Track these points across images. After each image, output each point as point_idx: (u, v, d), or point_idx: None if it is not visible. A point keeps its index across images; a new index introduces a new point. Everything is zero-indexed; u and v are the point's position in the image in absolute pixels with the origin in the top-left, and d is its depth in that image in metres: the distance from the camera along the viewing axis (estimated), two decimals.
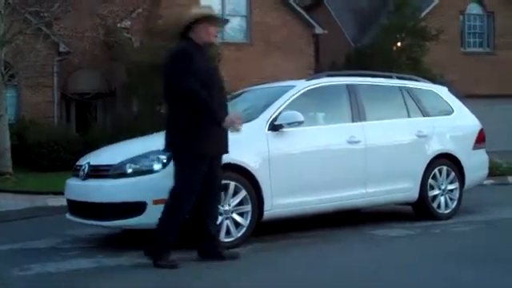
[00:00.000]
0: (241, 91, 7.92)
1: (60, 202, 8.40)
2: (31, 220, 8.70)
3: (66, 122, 20.00)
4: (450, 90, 17.42)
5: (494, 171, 14.07)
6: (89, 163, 6.26)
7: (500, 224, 7.30)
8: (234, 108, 7.34)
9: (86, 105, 19.63)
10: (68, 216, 6.53)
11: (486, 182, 12.72)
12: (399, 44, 20.97)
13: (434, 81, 19.18)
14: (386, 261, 5.40)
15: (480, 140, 8.15)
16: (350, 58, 21.63)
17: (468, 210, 8.03)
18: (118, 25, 16.18)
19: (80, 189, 6.23)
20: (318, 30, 21.92)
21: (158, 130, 15.85)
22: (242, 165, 6.07)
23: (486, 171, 8.31)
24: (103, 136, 17.44)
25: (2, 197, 11.01)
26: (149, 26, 15.70)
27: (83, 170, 6.25)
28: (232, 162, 6.00)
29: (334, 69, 21.86)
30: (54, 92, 19.44)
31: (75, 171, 6.57)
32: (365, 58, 20.66)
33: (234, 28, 20.80)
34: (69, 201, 6.49)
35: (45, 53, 16.34)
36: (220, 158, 5.53)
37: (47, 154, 16.28)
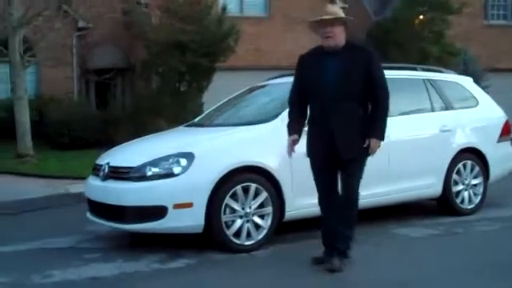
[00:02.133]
0: (264, 83, 7.77)
1: (80, 188, 8.33)
2: (52, 210, 8.70)
3: (86, 97, 19.97)
4: (474, 66, 17.26)
5: None
6: (108, 164, 6.21)
7: None
8: (256, 103, 7.32)
9: (106, 81, 19.57)
10: (88, 215, 6.52)
11: None
12: (421, 17, 20.59)
13: (457, 55, 19.14)
14: (409, 272, 5.29)
15: (505, 132, 8.00)
16: (372, 33, 21.31)
17: (493, 203, 7.91)
18: (137, 2, 16.04)
19: (100, 190, 6.19)
20: (339, 4, 21.55)
21: (177, 108, 15.98)
22: (263, 166, 5.99)
23: (511, 163, 8.15)
24: (122, 114, 17.49)
25: (23, 181, 11.05)
26: (167, 4, 15.54)
27: (103, 170, 6.21)
28: (252, 163, 5.95)
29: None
30: (74, 68, 19.43)
31: (95, 170, 6.52)
32: (386, 33, 20.37)
33: (254, 2, 20.55)
34: (89, 200, 6.46)
35: (64, 29, 16.28)
36: None
37: (67, 133, 16.28)
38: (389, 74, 7.25)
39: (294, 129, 5.36)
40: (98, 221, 6.28)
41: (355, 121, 5.14)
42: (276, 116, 6.34)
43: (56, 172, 11.84)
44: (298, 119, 5.40)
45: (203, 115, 7.78)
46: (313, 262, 5.44)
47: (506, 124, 8.05)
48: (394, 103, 6.87)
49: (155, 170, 5.80)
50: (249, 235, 5.92)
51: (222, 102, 7.84)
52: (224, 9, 16.40)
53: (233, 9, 18.55)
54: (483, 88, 16.82)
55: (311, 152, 5.34)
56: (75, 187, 9.75)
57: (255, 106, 7.24)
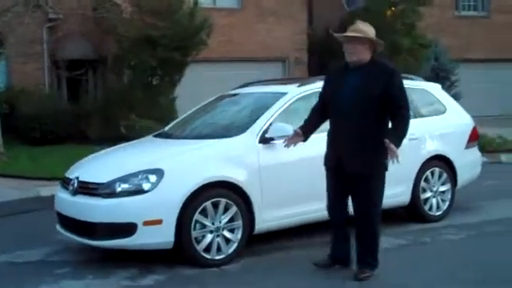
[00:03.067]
0: (234, 92, 7.76)
1: (51, 191, 8.29)
2: (22, 216, 8.64)
3: (57, 90, 19.76)
4: (445, 58, 17.37)
5: (487, 147, 14.07)
6: (78, 178, 6.18)
7: (493, 229, 7.26)
8: (226, 114, 7.33)
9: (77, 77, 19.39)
10: (58, 228, 6.50)
11: None
12: (393, 9, 20.66)
13: (428, 47, 19.23)
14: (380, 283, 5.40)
15: (473, 138, 8.10)
16: (344, 23, 21.32)
17: (459, 208, 8.03)
18: None
19: (69, 205, 6.18)
20: None
21: (149, 103, 15.87)
22: (232, 181, 6.02)
23: (478, 169, 8.27)
24: (94, 108, 17.35)
25: None
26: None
27: (72, 184, 6.19)
28: (222, 178, 5.98)
29: (327, 34, 21.65)
30: (44, 60, 19.20)
31: (64, 183, 6.49)
32: None
33: None
34: (58, 214, 6.44)
35: (34, 23, 16.07)
36: None
37: (38, 127, 16.13)
38: None
39: (303, 126, 5.65)
40: (68, 235, 6.27)
41: (368, 137, 5.24)
42: (245, 129, 6.36)
43: (27, 171, 11.73)
44: (312, 123, 5.69)
45: (173, 124, 7.74)
46: (315, 267, 5.72)
47: (474, 130, 8.15)
48: None
49: (124, 186, 5.80)
50: (219, 250, 5.95)
51: (191, 111, 7.81)
52: (196, 2, 16.30)
53: (205, 1, 18.48)
54: (453, 82, 17.12)
55: (326, 163, 5.61)
56: (46, 190, 9.69)
57: (225, 117, 7.24)
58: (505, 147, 14.23)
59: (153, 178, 5.77)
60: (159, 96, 16.42)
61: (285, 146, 5.70)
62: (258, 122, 6.42)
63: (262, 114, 6.52)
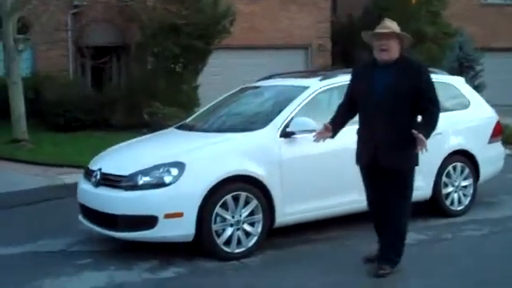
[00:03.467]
0: (256, 84, 7.77)
1: (75, 178, 8.33)
2: (45, 204, 8.74)
3: (82, 76, 19.91)
4: (469, 47, 17.19)
5: (511, 139, 13.92)
6: (100, 170, 6.24)
7: None
8: (248, 106, 7.34)
9: (101, 58, 19.48)
10: (80, 218, 6.57)
11: None
12: None
13: (453, 36, 19.03)
14: (400, 281, 5.41)
15: (496, 133, 8.04)
16: (368, 11, 21.20)
17: (482, 202, 8.01)
18: None
19: (92, 196, 6.25)
20: None
21: (172, 91, 15.96)
22: (253, 175, 6.05)
23: (501, 163, 8.22)
24: (118, 95, 17.43)
25: (16, 168, 11.09)
26: None
27: (95, 176, 6.25)
28: (243, 172, 6.01)
29: (351, 22, 21.53)
30: (69, 46, 19.33)
31: (87, 174, 6.55)
32: (383, 10, 20.24)
33: None
34: (81, 205, 6.51)
35: (59, 7, 16.16)
36: None
37: (63, 114, 16.25)
38: None
39: (332, 122, 5.63)
40: (91, 226, 6.34)
41: (401, 133, 5.27)
42: (267, 123, 6.38)
43: (51, 159, 11.84)
44: (341, 119, 5.69)
45: (195, 115, 7.79)
46: (364, 262, 5.76)
47: (498, 125, 8.09)
48: None
49: (146, 179, 5.85)
50: (239, 243, 5.99)
51: (214, 103, 7.85)
52: None
53: None
54: (478, 72, 16.93)
55: (358, 160, 5.65)
56: (70, 177, 9.79)
57: (247, 109, 7.26)
58: None
59: (174, 171, 5.81)
60: (182, 84, 16.48)
61: (314, 141, 5.68)
62: (279, 116, 6.43)
63: (284, 107, 6.53)
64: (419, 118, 5.36)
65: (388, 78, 5.31)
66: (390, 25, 5.41)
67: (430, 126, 5.28)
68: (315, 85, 6.83)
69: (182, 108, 15.30)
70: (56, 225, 7.47)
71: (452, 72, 16.74)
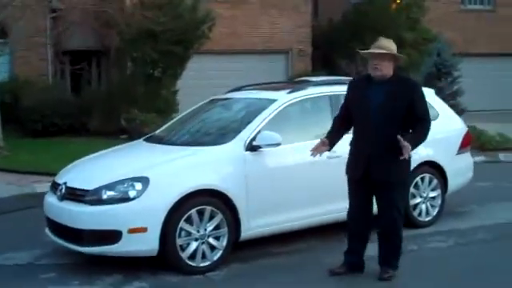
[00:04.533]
0: (225, 96, 7.78)
1: (47, 187, 8.36)
2: (16, 214, 8.71)
3: (61, 80, 19.83)
4: (448, 53, 17.30)
5: (486, 146, 14.06)
6: (65, 183, 6.23)
7: (482, 236, 7.27)
8: (216, 119, 7.36)
9: (80, 63, 19.43)
10: (47, 231, 6.55)
11: (476, 159, 12.79)
12: (398, 2, 20.57)
13: (432, 41, 19.11)
14: None
15: (465, 144, 8.09)
16: (348, 16, 21.29)
17: (452, 212, 8.10)
18: None
19: (57, 210, 6.24)
20: None
21: (150, 95, 15.90)
22: (218, 189, 6.06)
23: (470, 174, 8.27)
24: (96, 100, 17.38)
25: None
26: None
27: (60, 190, 6.24)
28: (208, 187, 6.02)
29: (331, 27, 21.58)
30: (48, 50, 19.25)
31: (53, 188, 6.54)
32: (362, 16, 20.34)
33: None
34: (47, 218, 6.49)
35: (38, 11, 16.10)
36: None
37: (40, 119, 16.20)
38: None
39: (328, 136, 5.84)
40: (56, 240, 6.33)
41: (392, 147, 5.40)
42: (233, 137, 6.39)
43: (26, 166, 11.80)
44: (337, 131, 5.90)
45: (164, 127, 7.77)
46: (330, 274, 5.89)
47: (467, 135, 8.15)
48: None
49: (111, 193, 5.84)
50: (204, 257, 6.00)
51: (183, 114, 7.87)
52: None
53: None
54: (456, 78, 17.04)
55: (349, 171, 5.80)
56: (42, 186, 9.74)
57: (214, 122, 7.27)
58: (505, 146, 14.17)
59: (138, 185, 5.81)
60: (161, 89, 16.49)
61: (311, 155, 5.81)
62: (245, 129, 6.44)
63: (251, 121, 6.54)
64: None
65: (381, 94, 5.51)
66: (386, 44, 5.61)
67: (417, 137, 5.52)
68: (283, 98, 6.84)
69: (161, 113, 15.30)
70: (24, 236, 7.44)
71: (430, 78, 16.97)
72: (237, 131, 6.47)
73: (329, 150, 5.87)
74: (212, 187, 6.03)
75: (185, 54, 16.32)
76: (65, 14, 18.29)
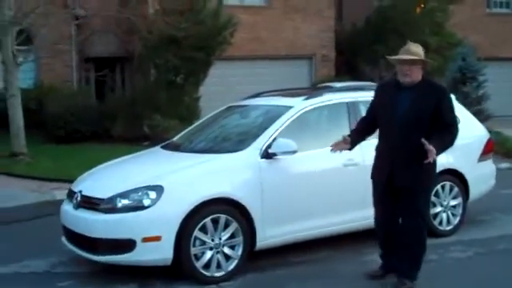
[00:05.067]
0: (243, 103, 7.73)
1: None
2: (36, 221, 8.75)
3: (86, 86, 19.97)
4: (472, 58, 17.10)
5: None
6: (81, 192, 6.23)
7: (504, 246, 7.12)
8: (232, 127, 7.32)
9: (105, 69, 19.55)
10: (63, 240, 6.55)
11: (501, 166, 12.66)
12: (422, 6, 20.36)
13: (457, 46, 18.89)
14: None
15: (487, 151, 7.94)
16: (371, 20, 21.13)
17: (475, 221, 7.97)
18: None
19: (72, 218, 6.23)
20: None
21: (173, 102, 15.94)
22: (233, 197, 6.00)
23: (492, 181, 8.12)
24: (120, 106, 17.44)
25: (13, 183, 11.13)
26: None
27: (76, 198, 6.24)
28: (222, 195, 5.97)
29: (354, 31, 21.41)
30: (73, 56, 19.41)
31: (69, 196, 6.54)
32: (386, 20, 20.18)
33: None
34: (63, 226, 6.49)
35: (62, 18, 16.25)
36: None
37: (63, 126, 16.30)
38: (368, 95, 7.28)
39: (351, 135, 5.91)
40: (72, 248, 6.32)
41: (418, 153, 5.33)
42: (248, 145, 6.34)
43: (47, 173, 11.88)
44: (361, 133, 5.95)
45: (182, 134, 7.74)
46: (368, 278, 5.94)
47: (489, 142, 8.00)
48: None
49: (125, 201, 5.82)
50: (219, 266, 5.95)
51: (201, 121, 7.87)
52: (220, 2, 16.30)
53: None
54: (481, 82, 16.82)
55: (374, 176, 5.81)
56: (62, 193, 9.74)
57: (231, 130, 7.24)
58: None
59: (153, 194, 5.78)
60: (184, 95, 16.49)
61: (331, 151, 5.86)
62: (261, 137, 6.38)
63: (267, 128, 6.48)
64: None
65: (409, 99, 5.48)
66: (414, 49, 5.56)
67: (443, 142, 5.42)
68: (299, 105, 6.77)
69: (183, 120, 15.29)
70: (42, 244, 7.45)
71: (454, 83, 16.77)
72: (252, 138, 6.41)
73: (350, 149, 5.89)
74: (226, 195, 5.97)
75: (207, 60, 16.30)
76: (89, 21, 18.46)
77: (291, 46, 20.34)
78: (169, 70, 16.21)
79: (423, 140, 5.24)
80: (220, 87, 18.42)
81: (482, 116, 16.57)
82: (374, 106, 5.89)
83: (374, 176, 5.81)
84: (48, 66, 18.65)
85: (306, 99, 6.88)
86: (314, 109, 6.83)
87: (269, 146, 6.28)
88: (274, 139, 6.33)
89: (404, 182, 5.51)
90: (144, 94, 16.71)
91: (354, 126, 6.78)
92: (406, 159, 5.47)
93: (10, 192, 10.31)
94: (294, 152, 6.25)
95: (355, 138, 5.89)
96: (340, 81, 16.06)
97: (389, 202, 5.71)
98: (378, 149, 5.80)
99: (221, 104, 8.33)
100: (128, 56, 19.57)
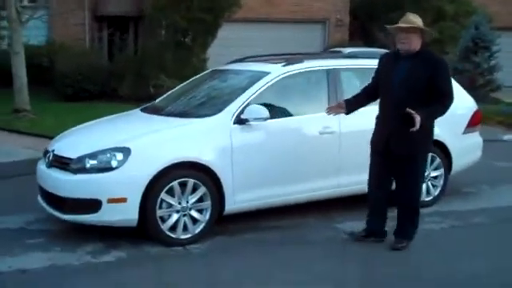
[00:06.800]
0: (225, 68, 7.69)
1: None
2: (23, 178, 8.83)
3: (98, 43, 20.00)
4: (486, 27, 16.71)
5: None
6: (53, 151, 6.29)
7: (481, 219, 7.06)
8: (210, 90, 7.29)
9: (118, 28, 19.53)
10: (38, 198, 6.62)
11: (506, 138, 12.51)
12: None
13: (474, 14, 18.52)
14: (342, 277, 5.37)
15: (474, 123, 7.82)
16: None
17: (458, 192, 7.95)
18: None
19: (45, 176, 6.30)
20: None
21: (180, 62, 15.86)
22: (201, 162, 6.00)
23: (478, 154, 8.01)
24: (129, 66, 17.47)
25: (9, 139, 11.24)
26: None
27: (48, 157, 6.30)
28: (190, 159, 5.97)
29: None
30: (86, 14, 19.43)
31: (44, 155, 6.60)
32: None
33: None
34: (38, 184, 6.57)
35: None
36: None
37: (72, 84, 16.39)
38: (348, 63, 7.22)
39: (349, 100, 6.14)
40: (44, 206, 6.39)
41: (413, 122, 5.41)
42: (221, 110, 6.31)
43: (48, 130, 11.93)
44: (360, 99, 6.12)
45: (163, 97, 7.74)
46: (353, 239, 6.19)
47: (476, 114, 7.87)
48: (351, 95, 6.70)
49: (93, 162, 5.86)
50: (185, 229, 5.99)
51: (183, 84, 7.84)
52: None
53: None
54: (493, 52, 16.53)
55: (372, 142, 5.98)
56: None
57: (209, 94, 7.21)
58: None
59: (120, 156, 5.81)
60: (191, 57, 16.43)
61: (326, 112, 6.11)
62: (234, 102, 6.35)
63: (241, 93, 6.44)
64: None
65: (405, 69, 5.64)
66: (412, 19, 5.70)
67: (431, 110, 5.58)
68: (276, 71, 6.71)
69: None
70: (23, 201, 7.48)
71: (466, 52, 16.51)
72: (226, 104, 6.39)
73: (346, 114, 6.11)
74: (194, 160, 5.97)
75: (215, 21, 16.19)
76: None
77: (305, 9, 20.14)
78: (177, 31, 16.13)
79: (408, 109, 5.36)
80: (230, 49, 18.29)
81: (492, 86, 16.38)
82: (376, 75, 6.01)
83: (371, 143, 5.97)
84: (60, 23, 18.69)
85: (285, 65, 6.81)
86: (292, 75, 6.75)
87: (241, 112, 6.25)
88: (248, 105, 6.30)
89: (399, 149, 5.71)
90: (152, 54, 16.67)
91: (332, 94, 6.80)
92: (401, 128, 5.56)
93: (4, 148, 10.41)
94: (266, 119, 6.23)
95: (351, 103, 6.07)
96: (353, 46, 15.92)
97: (384, 168, 5.90)
98: (378, 118, 5.95)
99: None
100: (141, 15, 19.53)
